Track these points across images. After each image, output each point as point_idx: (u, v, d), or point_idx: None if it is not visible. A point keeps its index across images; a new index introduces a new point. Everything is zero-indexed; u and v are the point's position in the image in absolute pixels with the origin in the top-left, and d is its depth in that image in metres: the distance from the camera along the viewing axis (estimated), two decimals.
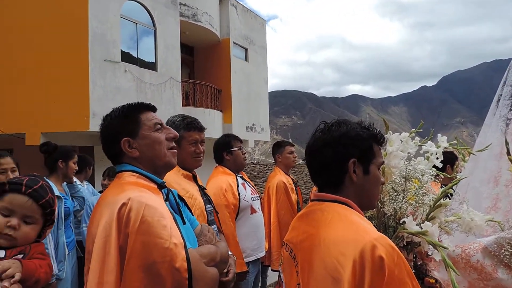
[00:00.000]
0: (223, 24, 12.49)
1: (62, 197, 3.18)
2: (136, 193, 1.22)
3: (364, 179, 1.18)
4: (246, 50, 13.62)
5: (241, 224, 3.05)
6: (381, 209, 1.74)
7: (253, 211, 3.15)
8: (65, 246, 3.14)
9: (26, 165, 4.54)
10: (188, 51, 12.72)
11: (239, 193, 3.03)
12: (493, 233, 1.74)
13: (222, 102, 12.42)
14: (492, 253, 1.61)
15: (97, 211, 1.25)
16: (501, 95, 2.29)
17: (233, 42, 12.72)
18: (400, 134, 1.97)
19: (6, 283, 1.26)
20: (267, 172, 12.28)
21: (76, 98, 7.44)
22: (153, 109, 1.47)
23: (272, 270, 3.84)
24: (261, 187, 7.27)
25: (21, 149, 7.18)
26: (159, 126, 1.42)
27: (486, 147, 2.14)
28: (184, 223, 1.36)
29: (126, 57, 8.51)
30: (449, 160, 3.14)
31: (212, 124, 11.04)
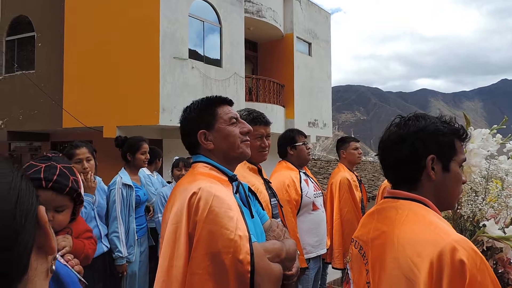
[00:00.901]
0: (286, 19, 12.44)
1: (134, 186, 3.36)
2: (206, 183, 1.26)
3: (443, 177, 1.11)
4: (309, 44, 13.44)
5: (302, 220, 3.04)
6: (458, 211, 1.63)
7: (315, 207, 3.11)
8: (135, 232, 3.35)
9: (104, 155, 4.96)
10: (252, 46, 12.88)
11: (301, 189, 3.01)
12: None
13: (284, 98, 12.42)
14: None
15: (172, 198, 1.33)
16: None
17: (297, 37, 12.62)
18: (481, 130, 1.82)
19: (69, 257, 1.40)
20: (328, 169, 12.07)
21: (148, 94, 7.92)
22: (230, 103, 1.52)
23: (333, 268, 3.77)
24: (322, 183, 7.17)
25: (99, 141, 7.82)
26: (234, 120, 1.46)
27: None
28: (252, 216, 1.38)
29: (193, 54, 8.84)
30: None
31: (275, 119, 11.10)
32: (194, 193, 1.22)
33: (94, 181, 2.88)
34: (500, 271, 1.53)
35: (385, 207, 1.17)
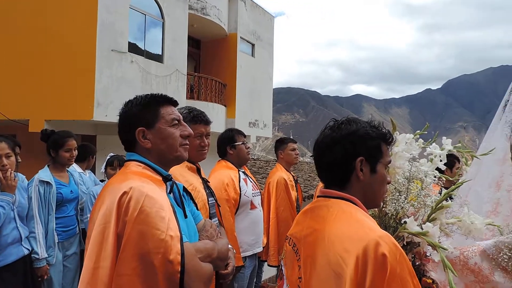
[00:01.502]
0: (231, 18, 12.47)
1: (53, 183, 3.14)
2: (138, 183, 1.24)
3: (370, 178, 1.20)
4: (253, 45, 13.59)
5: (240, 219, 3.07)
6: (383, 209, 1.75)
7: (253, 206, 3.17)
8: (55, 232, 3.11)
9: (29, 151, 4.57)
10: (195, 44, 12.71)
11: (240, 188, 3.04)
12: (492, 237, 1.76)
13: (226, 97, 12.43)
14: (490, 256, 1.62)
15: (100, 198, 1.28)
16: (508, 101, 2.29)
17: (240, 37, 12.69)
18: (405, 135, 1.98)
19: None
20: (267, 169, 12.30)
21: (82, 87, 7.46)
22: (174, 103, 1.49)
23: (268, 265, 3.86)
24: (261, 183, 7.30)
25: (24, 135, 7.20)
26: (177, 122, 1.43)
27: (490, 151, 2.15)
28: (185, 216, 1.37)
29: (133, 48, 8.51)
30: (449, 162, 3.16)
31: (216, 118, 11.06)
32: (124, 193, 1.19)
33: (14, 179, 2.66)
34: (417, 263, 1.68)
35: (318, 205, 1.23)
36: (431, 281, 1.67)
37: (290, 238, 1.28)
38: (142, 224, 1.15)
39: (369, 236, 1.02)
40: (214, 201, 2.31)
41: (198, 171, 2.29)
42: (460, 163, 3.49)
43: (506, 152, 2.13)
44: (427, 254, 1.66)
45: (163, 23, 9.24)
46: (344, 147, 1.18)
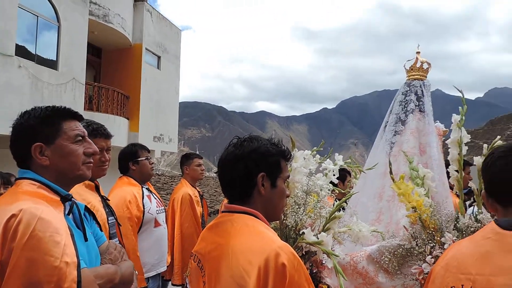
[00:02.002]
0: (136, 28, 12.05)
1: None
2: (30, 204, 1.12)
3: (271, 192, 1.27)
4: (159, 58, 13.30)
5: (143, 238, 2.95)
6: (284, 221, 1.86)
7: (157, 224, 3.07)
8: None
9: None
10: (96, 52, 11.96)
11: (143, 205, 2.93)
12: (376, 242, 1.98)
13: (129, 110, 11.87)
14: (375, 259, 1.83)
15: None
16: (387, 122, 2.64)
17: (146, 48, 12.33)
18: (303, 152, 2.14)
19: None
20: (172, 184, 12.00)
21: None
22: (79, 118, 1.37)
23: (172, 284, 3.75)
24: (165, 199, 7.09)
25: None
26: (80, 138, 1.32)
27: (374, 166, 2.44)
28: (86, 239, 1.28)
29: (22, 52, 7.67)
30: (341, 176, 3.48)
31: (117, 132, 10.47)
32: (13, 216, 1.07)
33: None
34: (314, 271, 1.81)
35: (222, 221, 1.26)
36: (326, 287, 1.81)
37: (195, 254, 1.29)
38: (33, 250, 1.04)
39: (270, 248, 1.08)
40: (115, 220, 2.19)
41: (97, 189, 2.14)
42: (351, 176, 3.87)
43: (387, 167, 2.43)
44: (322, 262, 1.80)
45: (58, 27, 8.52)
46: (247, 164, 1.24)
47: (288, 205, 1.84)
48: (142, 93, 12.07)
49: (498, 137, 1.94)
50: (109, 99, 10.80)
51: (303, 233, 1.69)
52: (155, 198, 3.13)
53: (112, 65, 12.13)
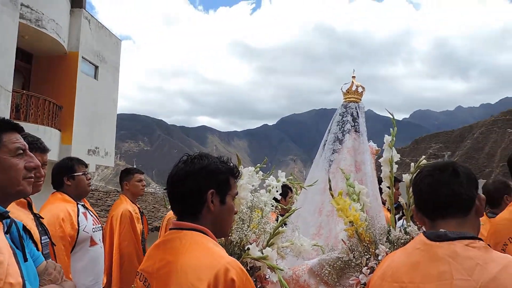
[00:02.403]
0: (72, 36, 11.45)
1: None
2: None
3: (220, 209, 1.29)
4: (96, 67, 12.73)
5: (77, 258, 2.77)
6: (229, 237, 1.88)
7: (93, 243, 2.91)
8: None
9: None
10: (26, 58, 11.15)
11: (78, 223, 2.77)
12: (316, 256, 2.08)
13: (62, 121, 11.15)
14: (316, 273, 1.91)
15: None
16: (326, 141, 2.79)
17: (82, 57, 11.74)
18: (248, 168, 2.19)
19: None
20: (107, 200, 11.40)
21: None
22: (19, 130, 1.28)
23: None
24: (99, 215, 6.72)
25: None
26: (21, 152, 1.24)
27: (314, 183, 2.56)
28: (26, 259, 1.19)
29: None
30: (283, 192, 3.59)
31: (48, 144, 9.73)
32: None
33: None
34: (259, 286, 1.84)
35: (170, 238, 1.25)
36: None
37: (141, 273, 1.26)
38: None
39: (219, 263, 1.10)
40: (48, 239, 2.05)
41: (29, 206, 2.00)
42: (292, 192, 4.00)
43: (326, 183, 2.56)
44: (266, 277, 1.84)
45: None
46: (197, 180, 1.26)
47: (234, 222, 1.86)
48: (77, 104, 11.42)
49: (423, 156, 2.15)
50: (39, 109, 10.08)
51: (248, 248, 1.73)
52: (91, 216, 2.97)
53: (44, 73, 11.37)
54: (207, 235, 1.25)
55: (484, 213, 2.55)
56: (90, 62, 12.35)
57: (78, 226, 2.76)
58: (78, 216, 2.79)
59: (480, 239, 1.17)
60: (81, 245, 2.80)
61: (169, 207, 3.65)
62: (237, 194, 1.44)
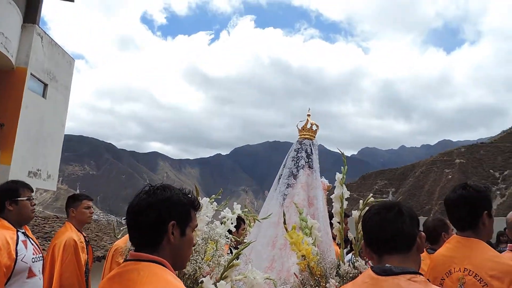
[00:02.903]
0: (22, 51, 10.93)
1: None
2: None
3: (180, 241, 1.30)
4: (45, 85, 12.15)
5: None
6: (183, 270, 1.86)
7: (31, 274, 2.71)
8: None
9: None
10: None
11: (17, 252, 2.58)
12: None
13: (2, 139, 10.42)
14: None
15: None
16: (281, 175, 2.89)
17: (31, 74, 11.20)
18: (202, 199, 2.20)
19: None
20: (44, 227, 10.60)
21: None
22: None
23: None
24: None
25: None
26: None
27: (268, 215, 2.62)
28: None
29: None
30: (236, 224, 3.59)
31: None
32: None
33: None
34: None
35: (127, 269, 1.23)
36: None
37: None
38: None
39: None
40: None
41: None
42: (245, 224, 4.01)
43: (280, 216, 2.63)
44: None
45: None
46: (159, 212, 1.27)
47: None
48: (20, 122, 10.75)
49: (371, 194, 2.29)
50: None
51: (202, 281, 1.72)
52: (32, 244, 2.79)
53: None
54: (165, 267, 1.24)
55: (424, 249, 2.72)
56: (39, 80, 11.79)
57: (16, 256, 2.58)
58: (17, 244, 2.61)
59: (421, 274, 1.27)
60: (17, 277, 2.60)
61: (119, 236, 3.53)
62: (197, 226, 1.45)
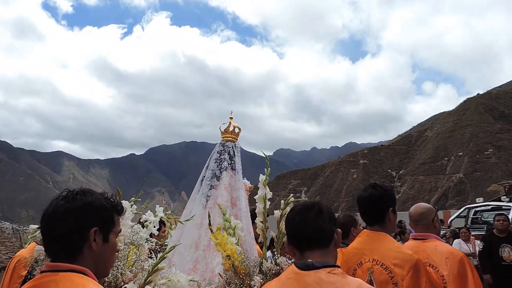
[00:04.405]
0: None
1: None
2: None
3: (103, 247, 1.24)
4: None
5: None
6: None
7: None
8: None
9: None
10: None
11: None
12: None
13: None
14: None
15: None
16: (204, 177, 2.88)
17: None
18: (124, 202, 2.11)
19: None
20: None
21: None
22: None
23: None
24: None
25: None
26: None
27: (191, 217, 2.61)
28: None
29: None
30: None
31: None
32: None
33: None
34: None
35: (43, 282, 1.14)
36: None
37: None
38: None
39: None
40: None
41: None
42: (165, 226, 3.92)
43: (203, 218, 2.63)
44: None
45: None
46: (79, 218, 1.20)
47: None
48: None
49: (291, 194, 2.42)
50: None
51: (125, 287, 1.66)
52: None
53: None
54: (87, 275, 1.18)
55: None
56: None
57: None
58: None
59: (338, 267, 1.40)
60: None
61: (26, 245, 3.21)
62: (120, 231, 1.40)
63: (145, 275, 1.82)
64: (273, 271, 1.93)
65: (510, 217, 8.41)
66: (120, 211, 1.37)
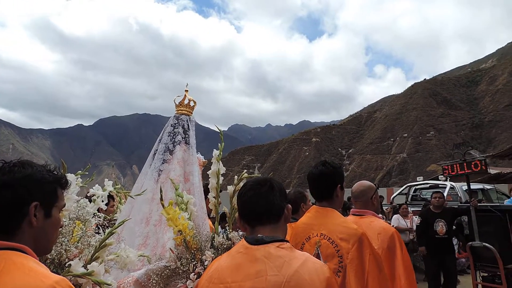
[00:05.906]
0: None
1: None
2: None
3: (44, 223, 1.17)
4: None
5: None
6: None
7: None
8: None
9: None
10: None
11: None
12: (143, 267, 2.07)
13: None
14: (143, 284, 1.90)
15: None
16: (157, 150, 2.81)
17: None
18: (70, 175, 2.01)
19: None
20: None
21: None
22: None
23: None
24: None
25: None
26: None
27: (143, 192, 2.54)
28: None
29: None
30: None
31: None
32: None
33: None
34: None
35: None
36: None
37: None
38: None
39: (45, 284, 1.01)
40: None
41: None
42: (114, 201, 3.81)
43: (154, 192, 2.58)
44: None
45: None
46: (17, 192, 1.12)
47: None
48: None
49: (245, 170, 2.43)
50: None
51: (70, 265, 1.60)
52: None
53: None
54: (26, 253, 1.11)
55: None
56: None
57: None
58: None
59: (287, 241, 1.44)
60: None
61: None
62: (64, 206, 1.33)
63: (92, 251, 1.76)
64: (225, 246, 1.95)
65: (445, 195, 9.13)
66: (64, 184, 1.29)
